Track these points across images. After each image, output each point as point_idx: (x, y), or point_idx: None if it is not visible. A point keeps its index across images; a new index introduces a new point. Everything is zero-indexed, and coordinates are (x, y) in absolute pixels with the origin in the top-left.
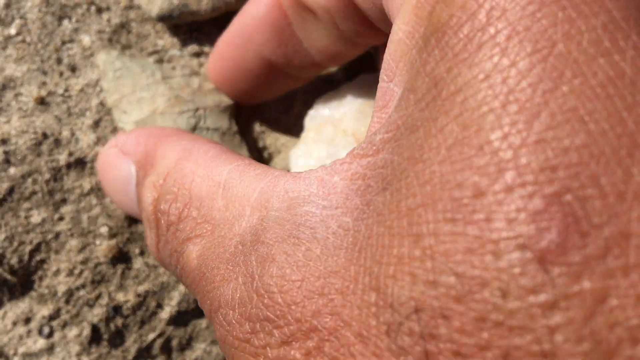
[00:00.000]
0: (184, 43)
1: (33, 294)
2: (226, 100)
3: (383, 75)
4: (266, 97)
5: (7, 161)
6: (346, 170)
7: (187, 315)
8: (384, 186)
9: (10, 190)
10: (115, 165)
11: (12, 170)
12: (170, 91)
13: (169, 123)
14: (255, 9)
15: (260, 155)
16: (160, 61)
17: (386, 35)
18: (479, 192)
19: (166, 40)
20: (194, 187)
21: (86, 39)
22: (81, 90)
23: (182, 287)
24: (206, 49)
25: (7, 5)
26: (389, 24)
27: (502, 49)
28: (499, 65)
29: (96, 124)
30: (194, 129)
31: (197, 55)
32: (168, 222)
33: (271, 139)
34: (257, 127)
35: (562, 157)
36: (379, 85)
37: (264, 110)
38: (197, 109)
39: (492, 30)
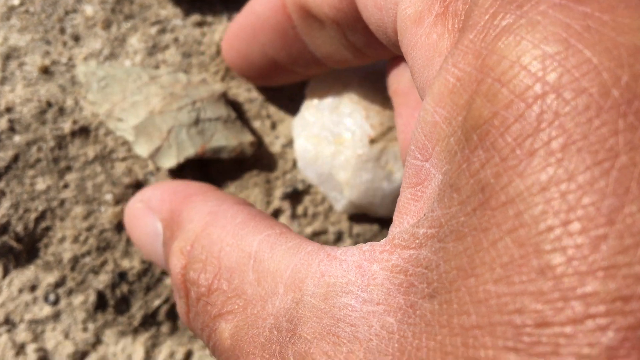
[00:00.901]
0: (187, 13)
1: (38, 261)
2: (218, 89)
3: (415, 152)
4: (277, 85)
5: (12, 129)
6: (386, 260)
7: None
8: (430, 292)
9: (15, 158)
10: (142, 221)
11: (17, 138)
12: (162, 89)
13: (170, 121)
14: (260, 8)
15: (263, 124)
16: (163, 31)
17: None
18: (543, 321)
19: (169, 11)
20: (223, 256)
21: (89, 9)
22: (85, 59)
23: None
24: (209, 18)
25: None
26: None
27: (557, 160)
28: (555, 177)
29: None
30: (197, 121)
31: (200, 25)
32: (198, 293)
33: (274, 108)
34: (260, 95)
35: (635, 286)
36: (409, 160)
37: None
38: (194, 102)
39: (544, 136)
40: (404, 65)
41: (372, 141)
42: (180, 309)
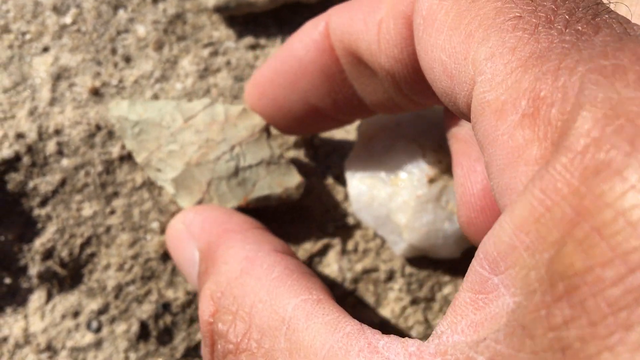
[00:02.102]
0: (240, 35)
1: (82, 287)
2: (258, 123)
3: (484, 261)
4: (309, 134)
5: (60, 152)
6: None
7: None
8: None
9: (63, 182)
10: (182, 245)
11: (65, 162)
12: (197, 136)
13: (207, 174)
14: (303, 51)
15: (315, 153)
16: (215, 53)
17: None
18: None
19: (222, 32)
20: (255, 313)
21: (141, 30)
22: (135, 81)
23: None
24: (262, 41)
25: None
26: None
27: None
28: None
29: None
30: (236, 172)
31: (253, 48)
32: (225, 349)
33: (325, 136)
34: None
35: None
36: (475, 266)
37: None
38: (232, 148)
39: None
40: None
41: (431, 180)
42: (205, 356)
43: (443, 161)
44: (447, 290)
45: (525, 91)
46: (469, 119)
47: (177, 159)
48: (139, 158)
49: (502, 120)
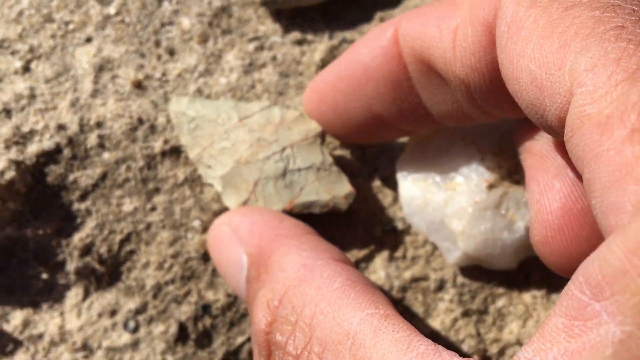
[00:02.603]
0: (286, 30)
1: (120, 285)
2: (314, 128)
3: (583, 285)
4: (371, 143)
5: (102, 145)
6: None
7: None
8: None
9: (103, 176)
10: (227, 248)
11: (106, 156)
12: (250, 135)
13: (255, 173)
14: (369, 57)
15: (363, 153)
16: (260, 48)
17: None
18: None
19: (268, 26)
20: (316, 325)
21: (186, 22)
22: (179, 75)
23: None
24: (309, 36)
25: None
26: (554, 130)
27: None
28: None
29: None
30: (284, 173)
31: (299, 43)
32: None
33: None
34: None
35: None
36: (572, 289)
37: None
38: (283, 149)
39: None
40: None
41: (491, 186)
42: None
43: (503, 166)
44: (501, 302)
45: (635, 105)
46: (557, 133)
47: (227, 156)
48: (192, 154)
49: (607, 135)
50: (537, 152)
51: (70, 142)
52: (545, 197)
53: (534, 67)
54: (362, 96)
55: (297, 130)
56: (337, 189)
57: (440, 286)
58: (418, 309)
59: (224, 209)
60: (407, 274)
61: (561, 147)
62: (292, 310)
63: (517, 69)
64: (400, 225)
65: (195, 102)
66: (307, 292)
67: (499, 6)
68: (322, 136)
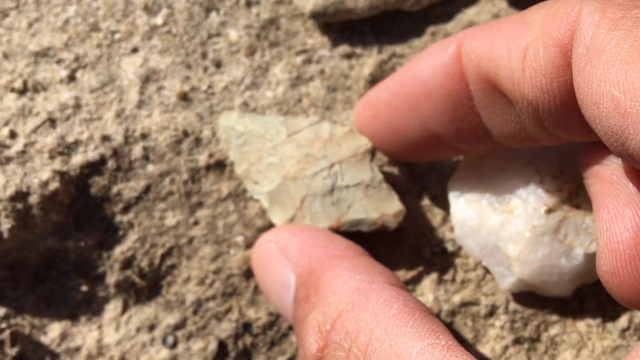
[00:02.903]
0: (335, 43)
1: (160, 300)
2: (364, 144)
3: None
4: (424, 161)
5: (146, 158)
6: None
7: None
8: None
9: (147, 189)
10: (273, 266)
11: (150, 168)
12: (298, 150)
13: (302, 189)
14: (429, 74)
15: (411, 171)
16: (308, 61)
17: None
18: None
19: (316, 39)
20: (371, 352)
21: (233, 34)
22: (225, 87)
23: None
24: (358, 50)
25: None
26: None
27: None
28: None
29: None
30: (332, 190)
31: (348, 57)
32: None
33: None
34: None
35: None
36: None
37: None
38: (331, 165)
39: None
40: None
41: (550, 210)
42: None
43: (563, 189)
44: (554, 330)
45: None
46: (634, 160)
47: (274, 172)
48: (240, 169)
49: None
50: (606, 177)
51: (115, 153)
52: (615, 225)
53: (617, 93)
54: (419, 114)
55: (347, 146)
56: (386, 207)
57: (492, 312)
58: (467, 334)
59: (268, 225)
60: (457, 298)
61: (634, 173)
62: (346, 336)
63: (597, 94)
64: (450, 247)
65: (244, 117)
66: (362, 318)
67: (577, 27)
68: (372, 152)
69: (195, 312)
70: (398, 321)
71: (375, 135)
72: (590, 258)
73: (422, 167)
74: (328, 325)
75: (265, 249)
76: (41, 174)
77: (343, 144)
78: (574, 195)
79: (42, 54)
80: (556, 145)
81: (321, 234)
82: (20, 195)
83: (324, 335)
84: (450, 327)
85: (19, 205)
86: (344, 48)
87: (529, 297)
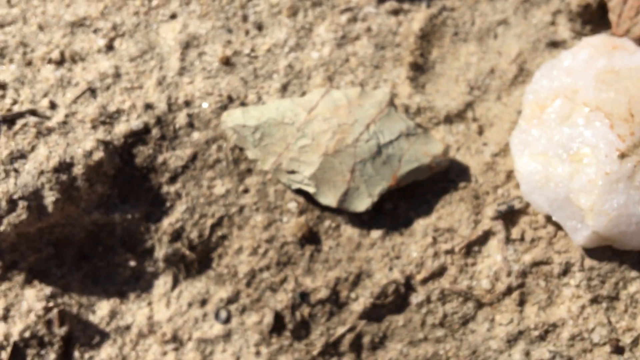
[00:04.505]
0: None
1: (211, 273)
2: (382, 98)
3: None
4: None
5: (191, 125)
6: None
7: (383, 309)
8: None
9: (194, 157)
10: None
11: (195, 135)
12: (327, 123)
13: (349, 160)
14: None
15: (467, 129)
16: (354, 20)
17: None
18: None
19: None
20: None
21: None
22: (268, 50)
23: (378, 276)
24: (405, 5)
25: None
26: None
27: None
28: None
29: (284, 87)
30: (379, 151)
31: (395, 13)
32: None
33: (481, 109)
34: (462, 96)
35: None
36: None
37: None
38: (367, 126)
39: None
40: None
41: (622, 156)
42: None
43: (636, 133)
44: (633, 287)
45: None
46: None
47: (311, 153)
48: (266, 165)
49: None
50: None
51: (159, 121)
52: None
53: None
54: None
55: (369, 105)
56: (432, 149)
57: (566, 270)
58: (540, 296)
59: None
60: (527, 258)
61: None
62: None
63: None
64: (516, 204)
65: (248, 111)
66: None
67: None
68: (392, 104)
69: (248, 284)
70: None
71: None
72: None
73: (480, 122)
74: None
75: None
76: (84, 144)
77: (364, 104)
78: None
79: (79, 24)
80: (623, 87)
81: None
82: (64, 166)
83: None
84: (521, 289)
85: (63, 177)
86: (391, 4)
87: (606, 252)
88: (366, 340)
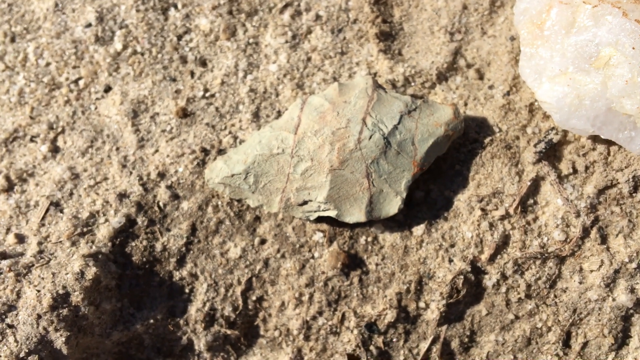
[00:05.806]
0: None
1: (262, 341)
2: (363, 84)
3: None
4: None
5: (175, 196)
6: None
7: (460, 305)
8: None
9: (193, 229)
10: None
11: (185, 205)
12: (320, 135)
13: (360, 165)
14: None
15: (466, 79)
16: (297, 13)
17: None
18: None
19: None
20: None
21: (203, 22)
22: (222, 83)
23: (441, 273)
24: None
25: (100, 19)
26: None
27: None
28: None
29: (255, 115)
30: (387, 143)
31: None
32: None
33: (471, 51)
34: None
35: None
36: None
37: None
38: (363, 121)
39: None
40: None
41: None
42: None
43: None
44: None
45: None
46: None
47: (316, 175)
48: (273, 207)
49: None
50: None
51: (140, 207)
52: None
53: None
54: None
55: (355, 97)
56: (441, 116)
57: (636, 185)
58: (620, 223)
59: None
60: (589, 189)
61: None
62: None
63: None
64: (554, 137)
65: (230, 157)
66: None
67: None
68: (377, 84)
69: (307, 338)
70: None
71: None
72: None
73: (475, 66)
74: None
75: None
76: (72, 267)
77: (349, 98)
78: None
79: (12, 139)
80: None
81: None
82: (61, 300)
83: None
84: (598, 224)
85: (64, 311)
86: None
87: None
88: (455, 344)
